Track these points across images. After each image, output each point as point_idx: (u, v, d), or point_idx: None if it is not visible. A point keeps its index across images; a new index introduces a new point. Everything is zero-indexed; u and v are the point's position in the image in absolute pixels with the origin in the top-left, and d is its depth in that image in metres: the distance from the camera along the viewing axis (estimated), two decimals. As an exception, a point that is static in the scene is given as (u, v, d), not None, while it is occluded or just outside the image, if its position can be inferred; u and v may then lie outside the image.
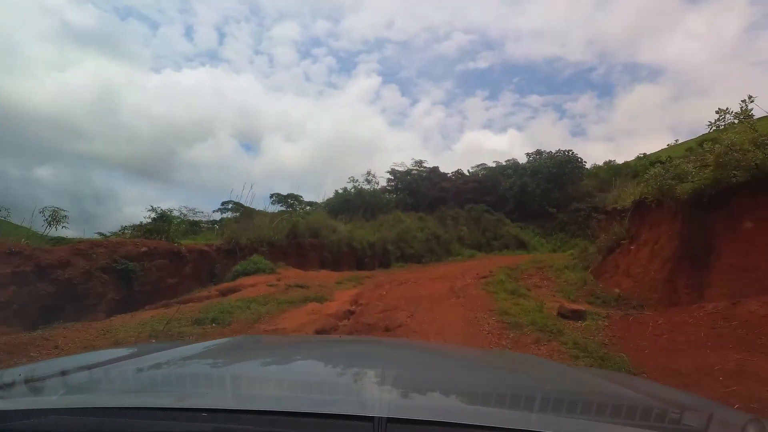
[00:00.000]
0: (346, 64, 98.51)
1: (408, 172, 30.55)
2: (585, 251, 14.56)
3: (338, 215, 22.57)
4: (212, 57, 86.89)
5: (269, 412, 0.91)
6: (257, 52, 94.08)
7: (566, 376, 1.80)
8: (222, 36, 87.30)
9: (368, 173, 25.17)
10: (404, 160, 33.52)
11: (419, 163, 30.88)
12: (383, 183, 30.26)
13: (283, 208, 24.78)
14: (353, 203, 24.17)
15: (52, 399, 1.05)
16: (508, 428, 0.84)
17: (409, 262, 19.02)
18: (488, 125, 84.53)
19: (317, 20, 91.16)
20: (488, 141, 74.54)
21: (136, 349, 1.99)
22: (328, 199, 25.75)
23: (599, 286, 9.83)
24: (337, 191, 24.75)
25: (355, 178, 24.86)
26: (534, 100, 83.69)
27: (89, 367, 1.35)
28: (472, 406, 1.21)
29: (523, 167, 29.74)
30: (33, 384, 1.14)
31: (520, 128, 79.48)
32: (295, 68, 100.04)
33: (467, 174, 31.55)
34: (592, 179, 29.24)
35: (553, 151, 29.98)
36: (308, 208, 26.67)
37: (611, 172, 30.89)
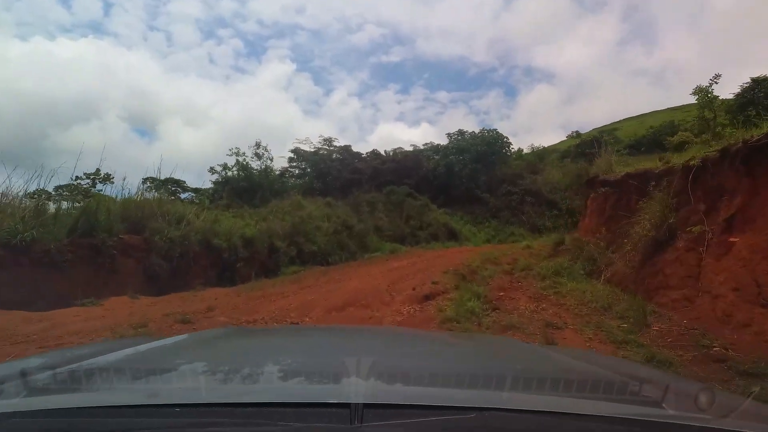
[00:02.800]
0: (254, 49, 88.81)
1: (315, 152, 24.07)
2: (561, 244, 9.54)
3: (219, 202, 15.69)
4: (96, 29, 71.73)
5: (244, 404, 0.85)
6: (152, 28, 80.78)
7: (537, 356, 1.74)
8: (108, 6, 72.59)
9: (257, 145, 18.13)
10: (309, 136, 27.26)
11: (328, 141, 24.48)
12: (285, 164, 23.57)
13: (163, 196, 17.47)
14: (238, 185, 17.14)
15: (12, 402, 0.93)
16: (481, 407, 0.81)
17: (310, 263, 12.74)
18: (401, 118, 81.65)
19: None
20: (402, 133, 70.94)
21: (102, 346, 1.75)
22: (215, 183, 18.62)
23: (677, 321, 4.52)
24: (212, 168, 17.40)
25: (241, 152, 17.70)
26: (443, 96, 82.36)
27: (52, 367, 1.19)
28: (446, 388, 1.13)
29: (447, 147, 24.90)
30: None
31: (431, 122, 77.73)
32: (198, 49, 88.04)
33: (384, 154, 25.92)
34: (521, 161, 25.44)
35: (477, 132, 25.62)
36: (189, 195, 19.30)
37: (536, 155, 27.57)
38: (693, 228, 5.15)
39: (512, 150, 25.59)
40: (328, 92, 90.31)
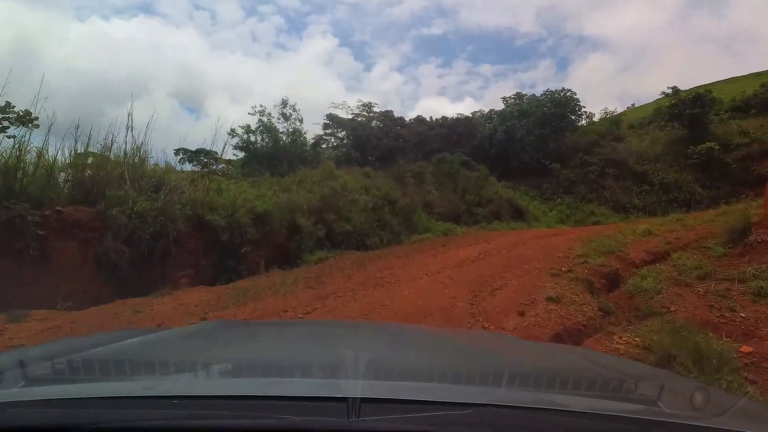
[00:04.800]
0: (295, 25, 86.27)
1: (353, 119, 20.71)
2: (746, 232, 5.74)
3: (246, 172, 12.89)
4: (146, 10, 71.99)
5: (243, 397, 0.81)
6: (197, 7, 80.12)
7: (534, 353, 1.68)
8: (156, -14, 72.45)
9: (283, 103, 14.94)
10: (346, 101, 23.87)
11: (367, 107, 21.00)
12: (319, 131, 20.44)
13: (196, 168, 15.03)
14: (261, 151, 14.15)
15: (11, 392, 0.89)
16: (477, 403, 0.79)
17: (342, 246, 9.60)
18: (443, 92, 76.56)
19: (261, -25, 77.90)
20: (445, 108, 65.91)
21: (101, 338, 1.64)
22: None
23: None
24: (233, 131, 14.38)
25: (265, 110, 14.57)
26: (487, 69, 76.34)
27: (51, 358, 1.14)
28: (443, 384, 1.08)
29: (504, 112, 20.70)
30: None
31: (475, 97, 72.49)
32: (240, 26, 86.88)
33: (430, 121, 22.08)
34: (596, 126, 20.81)
35: (538, 95, 21.06)
36: (222, 167, 16.79)
37: (610, 122, 22.67)
38: None
39: (587, 113, 20.97)
40: (368, 67, 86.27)
